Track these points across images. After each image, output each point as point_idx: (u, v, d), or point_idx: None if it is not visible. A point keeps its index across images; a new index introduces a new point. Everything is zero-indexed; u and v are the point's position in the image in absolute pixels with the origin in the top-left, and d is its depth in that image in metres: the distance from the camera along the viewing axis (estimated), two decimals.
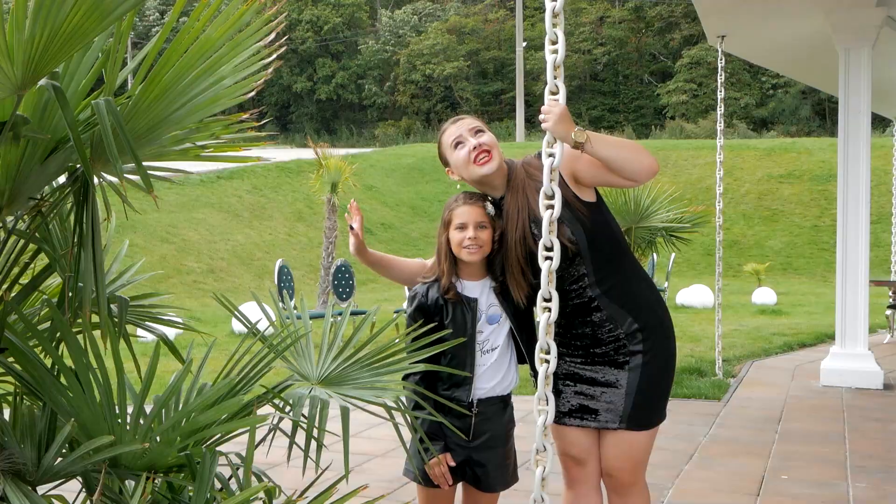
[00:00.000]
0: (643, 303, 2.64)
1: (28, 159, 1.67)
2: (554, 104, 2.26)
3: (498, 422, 2.71)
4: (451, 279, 2.67)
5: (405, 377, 2.44)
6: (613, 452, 2.67)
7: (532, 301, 2.70)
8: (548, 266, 2.14)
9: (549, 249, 2.15)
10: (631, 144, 2.49)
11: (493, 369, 2.68)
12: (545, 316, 2.14)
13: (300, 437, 1.94)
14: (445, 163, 2.71)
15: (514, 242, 2.61)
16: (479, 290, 2.69)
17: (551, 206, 2.14)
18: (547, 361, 2.14)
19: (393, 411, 2.02)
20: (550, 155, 2.19)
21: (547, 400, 2.15)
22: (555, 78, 2.17)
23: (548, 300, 2.15)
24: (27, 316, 1.86)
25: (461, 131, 2.64)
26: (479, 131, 2.63)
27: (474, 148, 2.59)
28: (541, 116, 2.30)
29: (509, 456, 2.77)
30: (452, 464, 2.64)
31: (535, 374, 2.76)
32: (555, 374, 2.69)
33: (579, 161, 2.50)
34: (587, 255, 2.56)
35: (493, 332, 2.68)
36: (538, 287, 2.66)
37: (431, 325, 2.53)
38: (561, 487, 2.83)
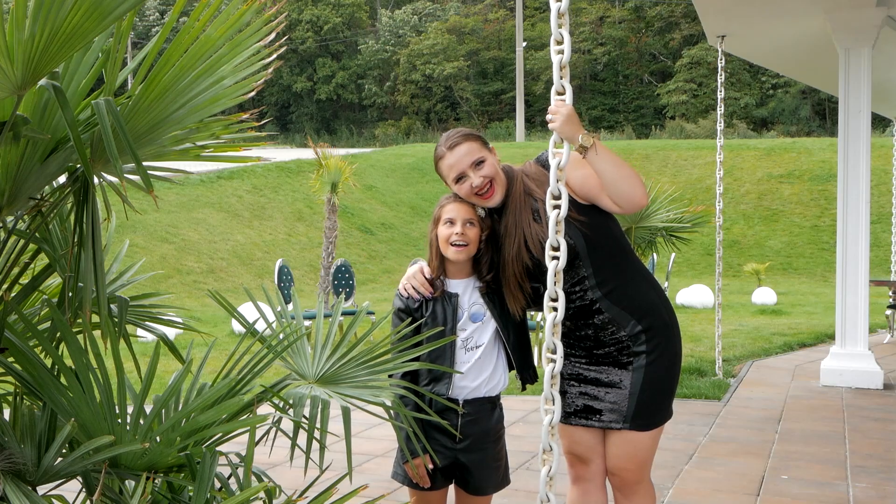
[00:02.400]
0: (646, 305, 2.62)
1: (28, 159, 1.68)
2: (561, 104, 2.25)
3: (485, 424, 2.69)
4: (438, 275, 2.68)
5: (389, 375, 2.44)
6: (617, 452, 2.67)
7: (525, 309, 2.71)
8: (554, 266, 2.14)
9: (556, 249, 2.14)
10: (631, 169, 2.47)
11: (477, 367, 2.66)
12: (551, 316, 2.14)
13: (301, 438, 1.94)
14: (445, 181, 2.69)
15: (510, 258, 2.60)
16: (462, 287, 2.69)
17: (558, 206, 2.14)
18: (553, 361, 2.14)
19: (390, 411, 2.02)
20: (557, 155, 2.19)
21: (553, 400, 2.14)
22: (561, 78, 2.16)
23: (554, 300, 2.15)
24: (27, 316, 1.86)
25: (462, 166, 2.57)
26: (478, 163, 2.57)
27: (476, 185, 2.57)
28: (548, 117, 2.29)
29: (499, 458, 2.75)
30: (430, 466, 2.63)
31: (521, 377, 2.76)
32: (559, 374, 2.70)
33: (576, 169, 2.48)
34: (587, 257, 2.55)
35: (476, 330, 2.67)
36: (536, 296, 2.66)
37: (419, 322, 2.53)
38: (566, 488, 2.83)
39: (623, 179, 2.43)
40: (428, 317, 2.63)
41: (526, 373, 2.75)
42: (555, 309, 2.14)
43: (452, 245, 2.61)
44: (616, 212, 2.55)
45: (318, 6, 47.84)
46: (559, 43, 2.11)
